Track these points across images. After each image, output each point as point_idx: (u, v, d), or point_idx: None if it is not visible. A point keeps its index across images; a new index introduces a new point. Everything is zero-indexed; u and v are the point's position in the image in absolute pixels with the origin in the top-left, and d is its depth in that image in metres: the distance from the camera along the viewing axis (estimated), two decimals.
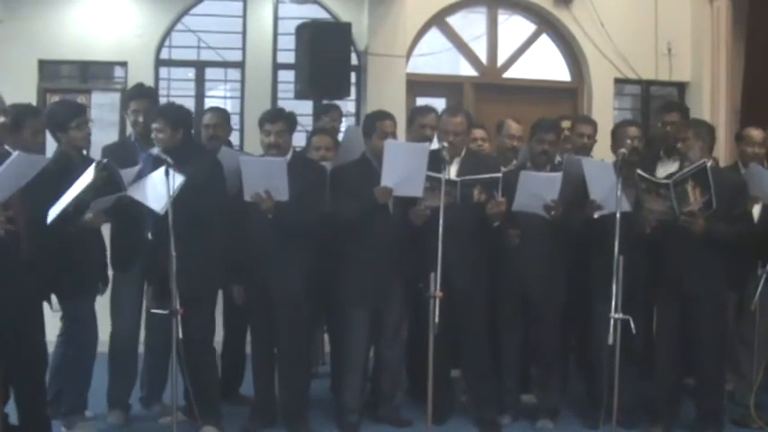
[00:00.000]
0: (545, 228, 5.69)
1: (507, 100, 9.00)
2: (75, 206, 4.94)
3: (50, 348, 5.42)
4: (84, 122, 5.58)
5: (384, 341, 5.86)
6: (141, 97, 5.90)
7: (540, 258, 5.78)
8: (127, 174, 5.24)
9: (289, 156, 5.58)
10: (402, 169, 5.41)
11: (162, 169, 4.93)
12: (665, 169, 6.06)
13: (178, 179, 4.97)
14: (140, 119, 5.79)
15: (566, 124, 6.67)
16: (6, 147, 4.97)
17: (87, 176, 4.93)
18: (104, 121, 8.04)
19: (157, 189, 5.05)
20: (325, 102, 7.63)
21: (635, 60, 9.33)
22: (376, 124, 5.80)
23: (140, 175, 5.36)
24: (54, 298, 5.42)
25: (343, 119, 7.63)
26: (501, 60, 9.46)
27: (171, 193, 4.86)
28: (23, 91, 7.64)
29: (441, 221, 5.10)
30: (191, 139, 5.67)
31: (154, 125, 5.42)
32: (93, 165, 4.99)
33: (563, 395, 6.20)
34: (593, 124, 6.58)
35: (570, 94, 9.55)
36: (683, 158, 5.62)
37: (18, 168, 4.55)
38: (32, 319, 4.98)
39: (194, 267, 5.17)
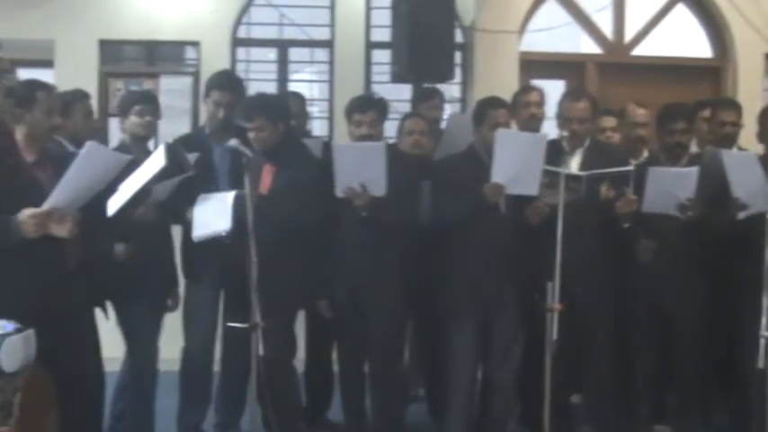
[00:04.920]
0: (682, 230, 5.67)
1: (637, 81, 8.92)
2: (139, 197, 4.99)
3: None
4: (146, 111, 5.69)
5: (494, 360, 5.81)
6: (226, 89, 5.94)
7: (677, 265, 5.77)
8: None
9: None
10: (515, 163, 5.36)
11: (233, 193, 5.10)
12: None
13: (230, 197, 5.12)
14: (221, 113, 5.87)
15: (705, 113, 6.60)
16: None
17: (157, 161, 4.97)
18: (174, 109, 8.06)
19: (222, 207, 5.15)
20: (425, 86, 7.61)
21: None
22: (488, 113, 5.74)
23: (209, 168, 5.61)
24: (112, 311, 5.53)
25: (446, 105, 7.64)
26: (629, 35, 9.36)
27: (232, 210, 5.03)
28: (83, 75, 7.79)
29: (560, 222, 5.13)
30: (289, 133, 5.68)
31: (250, 124, 5.49)
32: (163, 148, 5.01)
33: (705, 426, 6.15)
34: (738, 108, 6.47)
35: (712, 74, 9.36)
36: None
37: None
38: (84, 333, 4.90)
39: (279, 276, 5.25)
